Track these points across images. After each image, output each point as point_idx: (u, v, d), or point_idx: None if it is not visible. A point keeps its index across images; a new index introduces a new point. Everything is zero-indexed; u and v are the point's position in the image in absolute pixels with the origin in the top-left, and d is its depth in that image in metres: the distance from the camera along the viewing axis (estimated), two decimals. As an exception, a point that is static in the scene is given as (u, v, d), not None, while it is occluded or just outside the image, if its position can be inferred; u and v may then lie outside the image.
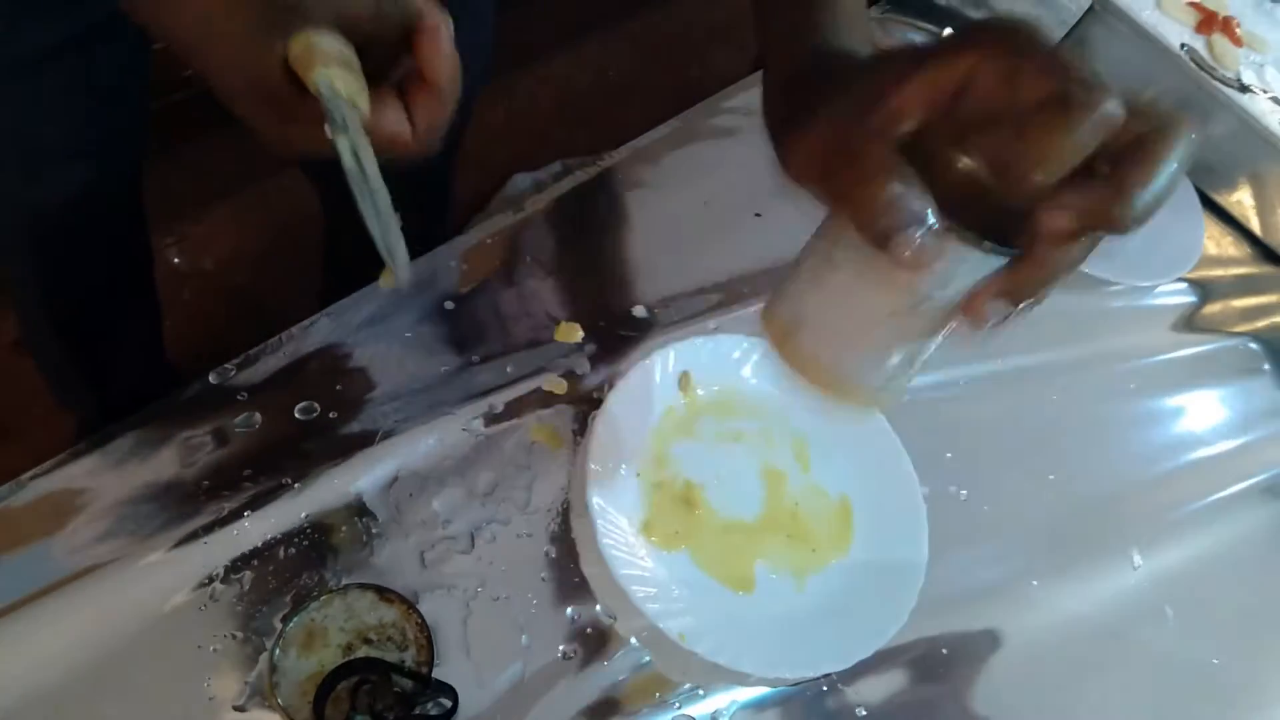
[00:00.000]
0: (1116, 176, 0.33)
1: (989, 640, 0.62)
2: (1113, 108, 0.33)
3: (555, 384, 0.62)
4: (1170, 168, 0.33)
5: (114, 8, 0.64)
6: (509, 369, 0.62)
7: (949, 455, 0.68)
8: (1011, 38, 0.33)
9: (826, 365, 0.38)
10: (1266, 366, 0.84)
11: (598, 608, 0.56)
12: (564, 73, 1.97)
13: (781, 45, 0.46)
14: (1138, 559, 0.68)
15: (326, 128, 0.36)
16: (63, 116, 0.72)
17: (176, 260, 1.53)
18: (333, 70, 0.35)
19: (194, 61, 0.37)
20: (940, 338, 0.37)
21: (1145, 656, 0.64)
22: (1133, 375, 0.79)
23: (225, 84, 0.37)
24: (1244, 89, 0.86)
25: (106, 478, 0.53)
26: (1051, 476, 0.70)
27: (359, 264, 0.59)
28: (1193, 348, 0.83)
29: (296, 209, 1.62)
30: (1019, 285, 0.34)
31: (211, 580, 0.51)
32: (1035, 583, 0.65)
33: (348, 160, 0.36)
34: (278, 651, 0.50)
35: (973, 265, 0.34)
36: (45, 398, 1.31)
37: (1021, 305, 0.34)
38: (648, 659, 0.55)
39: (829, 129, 0.36)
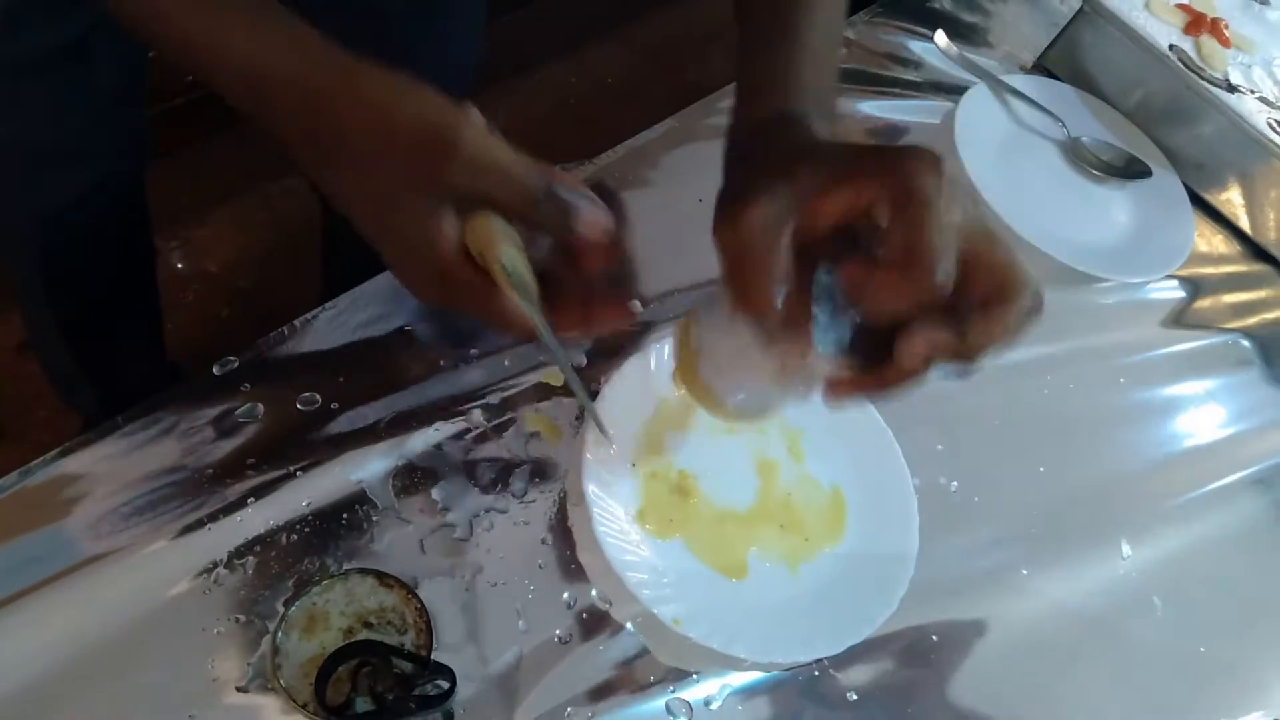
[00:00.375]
0: (969, 329, 0.39)
1: (978, 628, 0.63)
2: (946, 283, 0.38)
3: (552, 376, 0.64)
4: (1016, 330, 0.40)
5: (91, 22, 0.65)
6: (506, 363, 0.63)
7: (940, 447, 0.69)
8: (914, 179, 0.38)
9: (711, 390, 0.48)
10: (1256, 362, 0.85)
11: (593, 593, 0.57)
12: (562, 77, 1.99)
13: (754, 89, 0.50)
14: (1127, 549, 0.69)
15: (514, 302, 0.39)
16: (66, 118, 0.73)
17: (180, 264, 1.54)
18: (513, 250, 0.39)
19: (376, 246, 0.40)
20: (805, 394, 0.45)
21: (1133, 645, 0.65)
22: (1123, 370, 0.80)
23: (403, 266, 0.40)
24: (1232, 89, 0.88)
25: (111, 466, 0.54)
26: (1042, 469, 0.71)
27: (356, 264, 0.61)
28: (1183, 343, 0.84)
29: (298, 211, 1.64)
30: (874, 388, 0.42)
31: (215, 566, 0.52)
32: (1025, 572, 0.66)
33: (542, 333, 0.40)
34: (280, 634, 0.51)
35: (833, 344, 0.43)
36: (49, 400, 1.33)
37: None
38: (642, 644, 0.56)
39: (755, 214, 0.40)
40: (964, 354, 0.40)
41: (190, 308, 1.52)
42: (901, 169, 0.38)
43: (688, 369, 0.48)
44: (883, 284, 0.39)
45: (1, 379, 1.43)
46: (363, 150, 0.38)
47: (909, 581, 0.60)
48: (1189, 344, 0.85)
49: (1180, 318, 0.86)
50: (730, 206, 0.41)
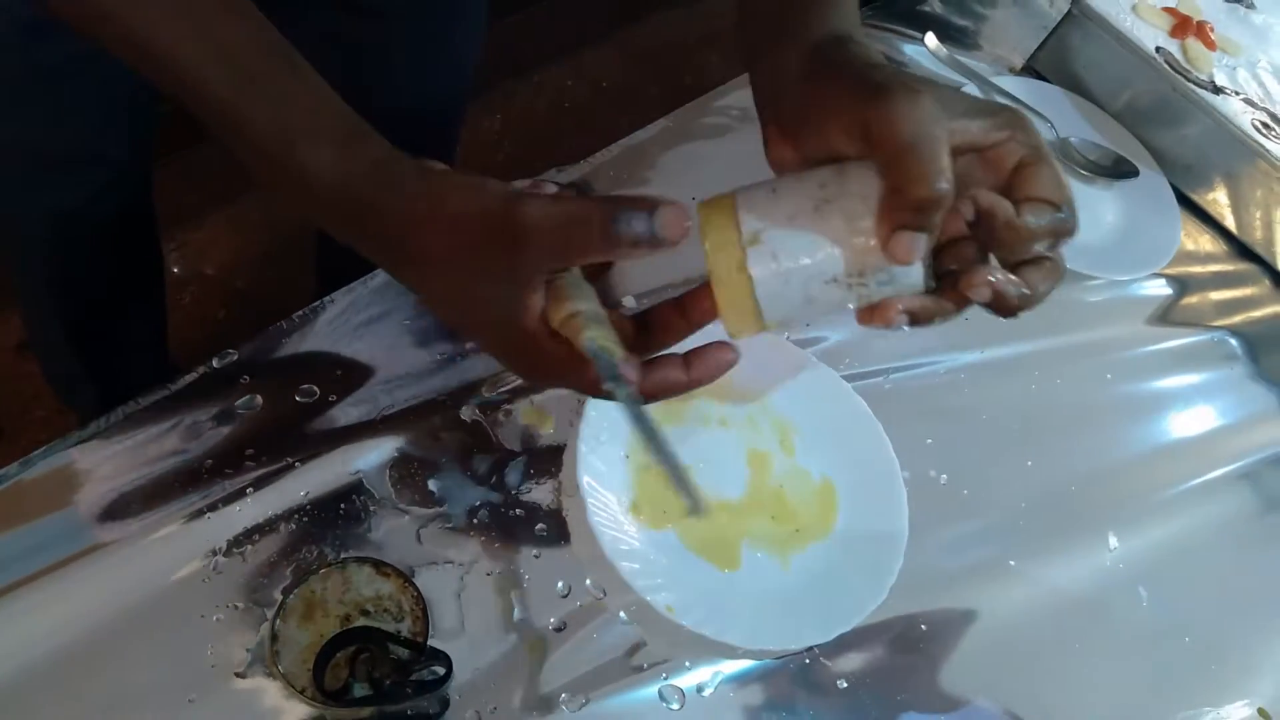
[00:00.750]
0: (1025, 281, 0.40)
1: (967, 617, 0.64)
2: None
3: (547, 370, 0.65)
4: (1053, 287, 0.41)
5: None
6: (502, 356, 0.64)
7: (929, 441, 0.70)
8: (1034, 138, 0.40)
9: (755, 281, 0.39)
10: (1242, 358, 0.87)
11: (587, 583, 0.58)
12: (559, 81, 2.00)
13: (791, 23, 0.47)
14: (1114, 541, 0.71)
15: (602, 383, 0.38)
16: (79, 123, 0.74)
17: (176, 266, 1.55)
18: (594, 330, 0.38)
19: (459, 330, 0.41)
20: (841, 311, 0.41)
21: (1118, 634, 0.66)
22: (1111, 366, 0.81)
23: (493, 347, 0.40)
24: (1217, 90, 0.89)
25: (112, 456, 0.55)
26: (1029, 462, 0.73)
27: (348, 264, 0.62)
28: (1170, 340, 0.86)
29: (294, 214, 1.64)
30: (924, 313, 0.41)
31: (215, 554, 0.53)
32: (1013, 563, 0.67)
33: (627, 409, 0.39)
34: (278, 622, 0.52)
35: (908, 282, 0.40)
36: (47, 400, 1.33)
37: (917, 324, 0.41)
38: (636, 632, 0.57)
39: (925, 100, 0.38)
40: (1015, 306, 0.41)
41: (187, 309, 1.53)
42: (1025, 125, 0.40)
43: (729, 260, 0.39)
44: (1011, 226, 0.39)
45: (1, 379, 1.44)
46: (422, 253, 0.38)
47: (898, 571, 0.61)
48: (1176, 341, 0.86)
49: (1167, 315, 0.87)
50: (873, 96, 0.38)
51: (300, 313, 0.62)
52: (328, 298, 0.63)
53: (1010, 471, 0.72)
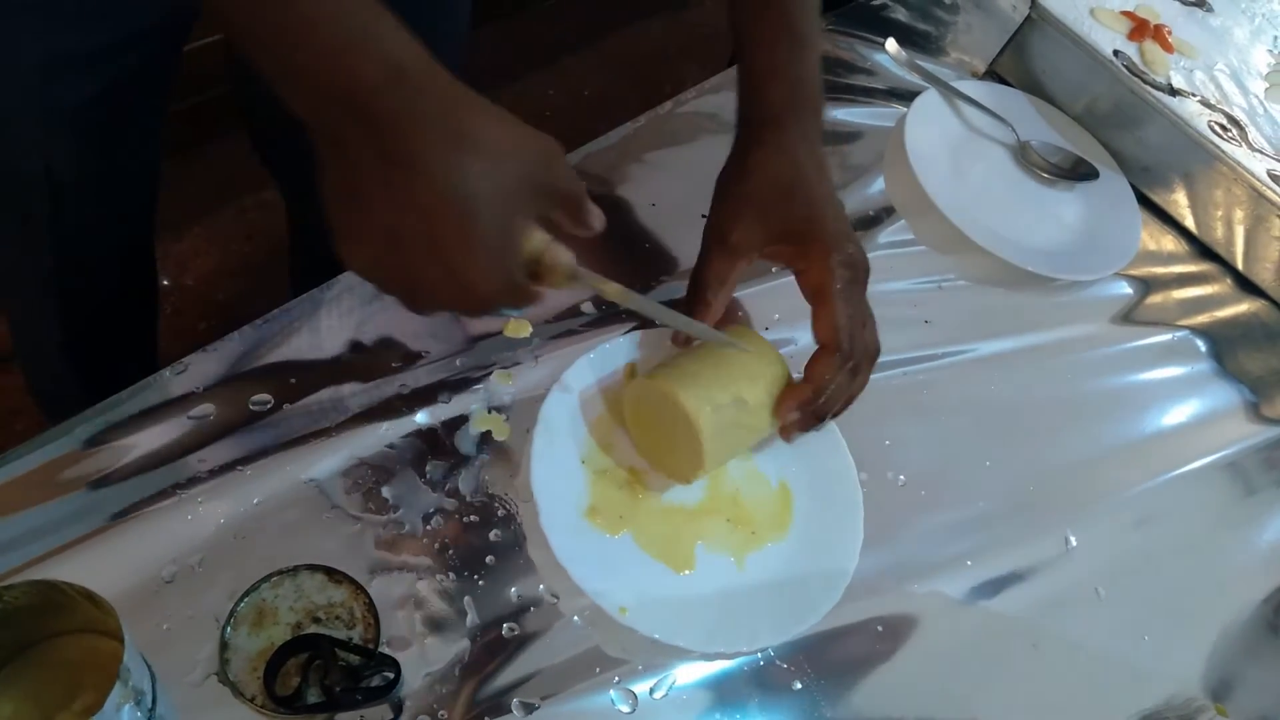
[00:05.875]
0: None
1: (923, 618, 0.64)
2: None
3: (503, 376, 0.65)
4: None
5: (140, 25, 0.67)
6: (458, 363, 0.65)
7: (887, 443, 0.71)
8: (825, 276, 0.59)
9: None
10: (1206, 357, 0.87)
11: (540, 587, 0.58)
12: (539, 90, 2.01)
13: (756, 85, 0.62)
14: (1072, 540, 0.71)
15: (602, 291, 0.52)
16: (92, 157, 0.75)
17: (159, 278, 1.55)
18: (579, 268, 0.48)
19: (442, 229, 0.42)
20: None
21: (1077, 635, 0.67)
22: (1072, 366, 0.82)
23: (472, 258, 0.42)
24: (1174, 93, 0.90)
25: (60, 467, 0.55)
26: (988, 463, 0.73)
27: (321, 270, 0.62)
28: (1134, 340, 0.86)
29: (273, 225, 1.65)
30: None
31: (165, 563, 0.53)
32: (970, 563, 0.67)
33: (628, 303, 0.54)
34: (229, 630, 0.52)
35: None
36: (28, 415, 1.33)
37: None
38: (589, 636, 0.57)
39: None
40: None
41: (168, 320, 1.53)
42: (825, 263, 0.58)
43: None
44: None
45: (-24, 394, 1.44)
46: (492, 147, 0.41)
47: (853, 573, 0.61)
48: (1140, 340, 0.86)
49: (1130, 315, 0.88)
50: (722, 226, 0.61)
51: (253, 323, 0.62)
52: (283, 306, 0.63)
53: (969, 472, 0.72)
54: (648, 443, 0.63)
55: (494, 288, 0.43)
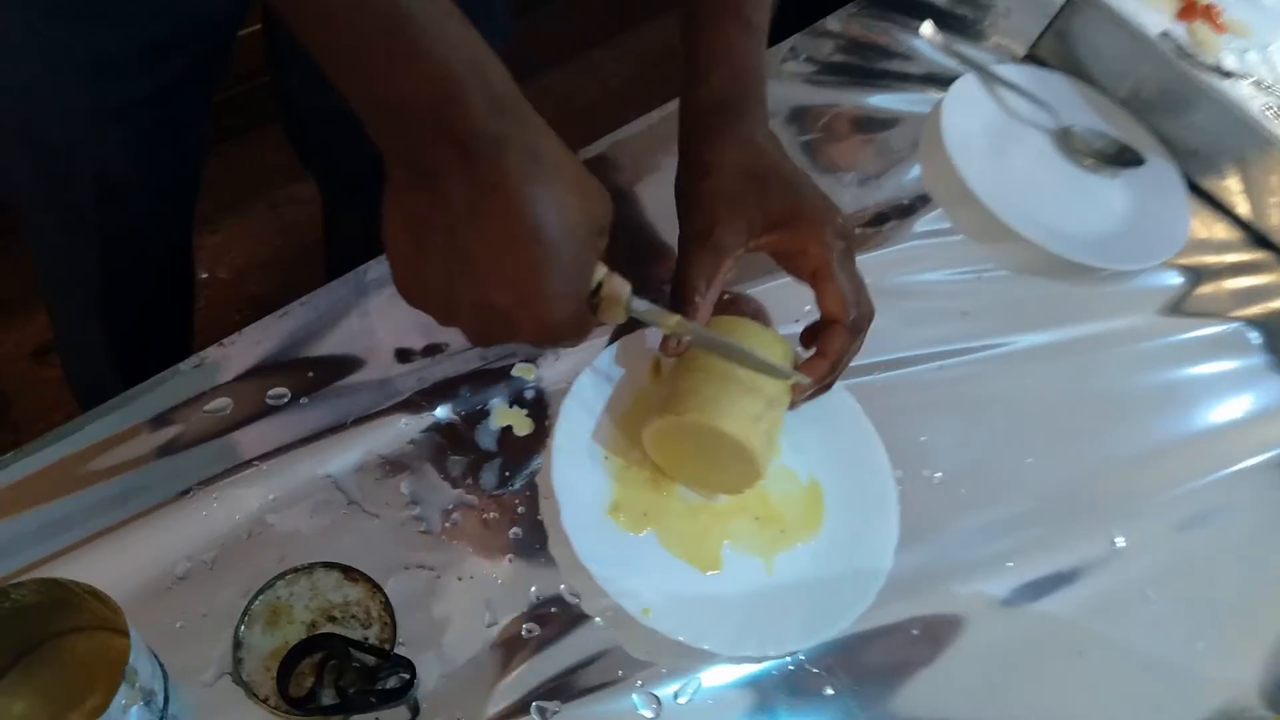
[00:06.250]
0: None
1: (961, 622, 0.61)
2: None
3: (525, 369, 0.63)
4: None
5: (191, 22, 0.67)
6: (479, 355, 0.63)
7: (923, 439, 0.68)
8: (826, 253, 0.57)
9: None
10: (1260, 349, 0.83)
11: (562, 587, 0.56)
12: (567, 84, 2.00)
13: (702, 68, 0.60)
14: (1120, 541, 0.68)
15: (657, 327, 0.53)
16: (141, 157, 0.75)
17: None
18: (637, 301, 0.50)
19: (524, 260, 0.42)
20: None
21: (1122, 639, 0.64)
22: (1118, 359, 0.78)
23: (552, 292, 0.43)
24: (1225, 75, 0.86)
25: (72, 464, 0.54)
26: (1029, 460, 0.70)
27: (357, 265, 0.61)
28: (1183, 332, 0.82)
29: (306, 217, 1.66)
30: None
31: (180, 559, 0.52)
32: (1010, 564, 0.64)
33: (687, 334, 0.54)
34: (243, 628, 0.51)
35: None
36: (67, 408, 1.34)
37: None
38: (612, 637, 0.55)
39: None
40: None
41: (202, 314, 1.54)
42: (821, 239, 0.56)
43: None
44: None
45: (18, 385, 1.46)
46: (572, 181, 0.42)
47: (887, 575, 0.59)
48: (1189, 333, 0.83)
49: (1180, 306, 0.84)
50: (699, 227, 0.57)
51: (273, 315, 0.61)
52: (301, 299, 0.62)
53: (1009, 470, 0.69)
54: (681, 469, 0.60)
55: (564, 318, 0.44)
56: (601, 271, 0.47)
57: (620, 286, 0.48)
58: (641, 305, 0.50)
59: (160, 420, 0.56)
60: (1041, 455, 0.70)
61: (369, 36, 0.38)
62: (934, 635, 0.60)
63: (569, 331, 0.46)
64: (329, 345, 0.61)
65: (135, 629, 0.41)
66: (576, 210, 0.42)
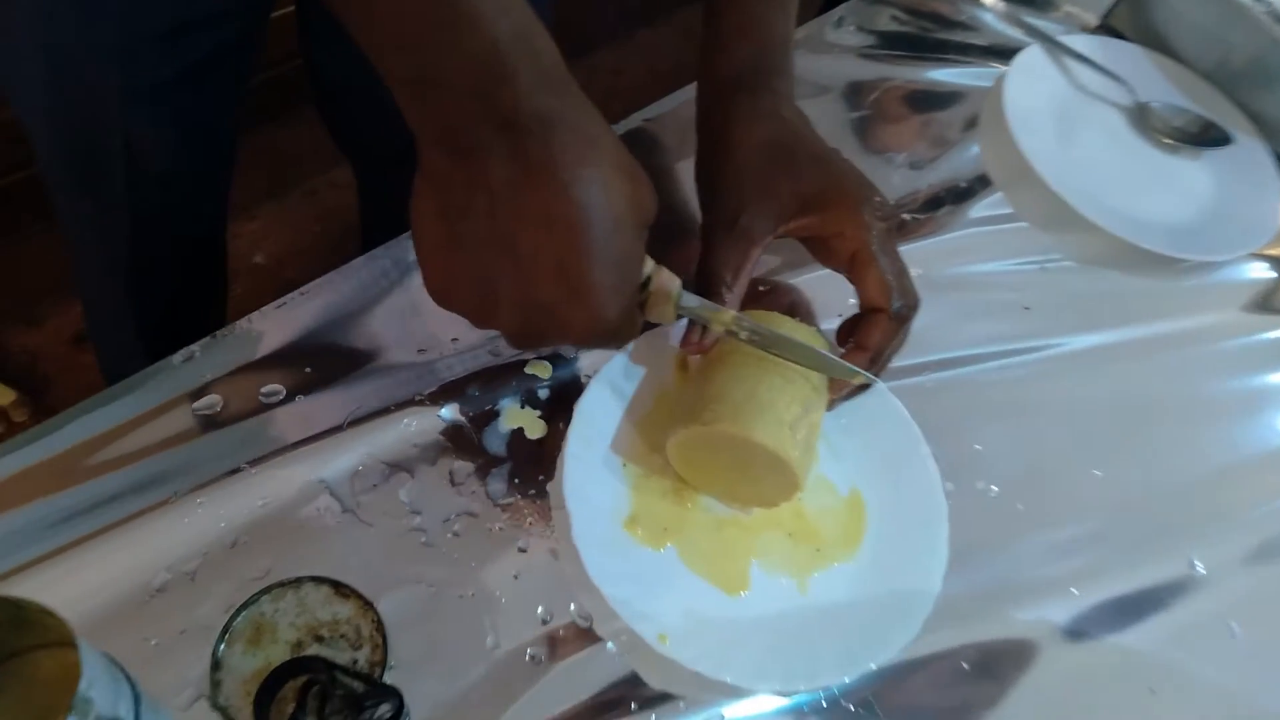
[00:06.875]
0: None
1: (1018, 655, 0.55)
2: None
3: (539, 367, 0.58)
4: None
5: (214, 49, 0.67)
6: (490, 351, 0.58)
7: (978, 448, 0.62)
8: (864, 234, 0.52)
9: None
10: (1358, 353, 0.75)
11: (571, 607, 0.51)
12: (614, 63, 1.96)
13: (726, 40, 0.55)
14: (1200, 566, 0.61)
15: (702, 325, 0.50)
16: (170, 139, 0.74)
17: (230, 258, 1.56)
18: (688, 296, 0.47)
19: (575, 249, 0.39)
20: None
21: (1202, 676, 0.57)
22: (1198, 360, 0.71)
23: (603, 283, 0.40)
24: (1329, 42, 0.77)
25: (48, 468, 0.51)
26: (1098, 472, 0.63)
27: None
28: (1270, 331, 0.75)
29: (343, 204, 1.64)
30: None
31: (158, 571, 0.48)
32: (1075, 591, 0.58)
33: (743, 333, 0.50)
34: (223, 647, 0.47)
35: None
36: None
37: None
38: (626, 665, 0.50)
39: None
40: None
41: (239, 301, 1.54)
42: (859, 222, 0.51)
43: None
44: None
45: (57, 370, 1.48)
46: (623, 165, 0.40)
47: (935, 601, 0.53)
48: (1278, 332, 0.75)
49: (1268, 302, 0.77)
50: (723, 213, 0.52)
51: (269, 305, 0.57)
52: (301, 289, 0.58)
53: (1074, 483, 0.62)
54: (708, 481, 0.55)
55: (615, 313, 0.40)
56: (649, 265, 0.44)
57: (670, 281, 0.45)
58: (692, 301, 0.47)
59: (144, 420, 0.52)
60: (1110, 467, 0.64)
61: (411, 4, 0.34)
62: (986, 667, 0.54)
63: (617, 328, 0.42)
64: (327, 338, 0.57)
65: (102, 650, 0.37)
66: (628, 197, 0.39)
